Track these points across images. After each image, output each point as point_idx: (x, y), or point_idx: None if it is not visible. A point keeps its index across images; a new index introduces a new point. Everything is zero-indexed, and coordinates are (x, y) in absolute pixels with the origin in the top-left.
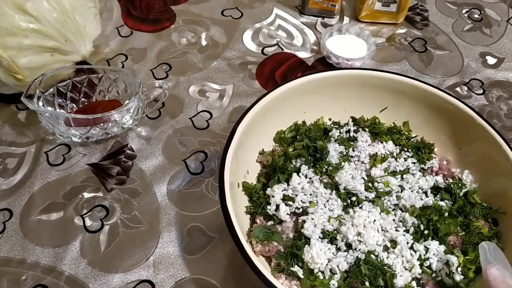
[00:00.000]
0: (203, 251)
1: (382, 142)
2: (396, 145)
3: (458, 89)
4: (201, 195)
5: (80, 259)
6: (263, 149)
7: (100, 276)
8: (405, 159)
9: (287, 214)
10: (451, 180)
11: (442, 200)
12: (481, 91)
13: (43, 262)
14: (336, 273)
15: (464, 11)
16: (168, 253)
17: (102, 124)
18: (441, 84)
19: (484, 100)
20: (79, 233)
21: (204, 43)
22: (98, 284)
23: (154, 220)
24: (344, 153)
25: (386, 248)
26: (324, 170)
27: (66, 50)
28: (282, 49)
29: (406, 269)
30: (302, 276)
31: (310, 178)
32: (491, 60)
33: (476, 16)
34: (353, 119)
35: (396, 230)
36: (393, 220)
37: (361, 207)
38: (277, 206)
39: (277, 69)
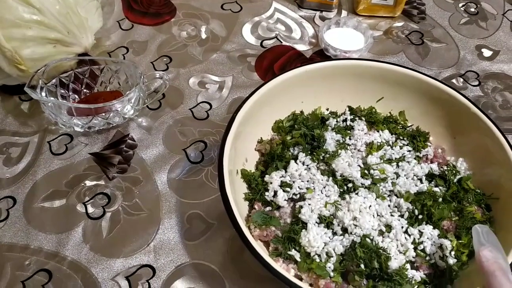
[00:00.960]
0: (202, 237)
1: (378, 131)
2: (392, 134)
3: (454, 80)
4: (201, 183)
5: (82, 244)
6: (261, 137)
7: (102, 261)
8: (401, 147)
9: (285, 200)
10: (445, 168)
11: (436, 186)
12: (476, 83)
13: (46, 248)
14: (332, 256)
15: (460, 5)
16: (168, 239)
17: (103, 114)
18: (437, 76)
19: (479, 92)
20: (82, 219)
21: (204, 36)
22: (100, 268)
23: (154, 207)
24: (341, 141)
25: (381, 233)
26: (321, 158)
27: (69, 42)
28: (281, 42)
29: (400, 252)
30: (299, 260)
31: (307, 165)
32: (486, 53)
33: (473, 9)
34: (350, 109)
35: (391, 215)
36: (388, 205)
37: (357, 193)
38: (275, 192)
39: (276, 62)
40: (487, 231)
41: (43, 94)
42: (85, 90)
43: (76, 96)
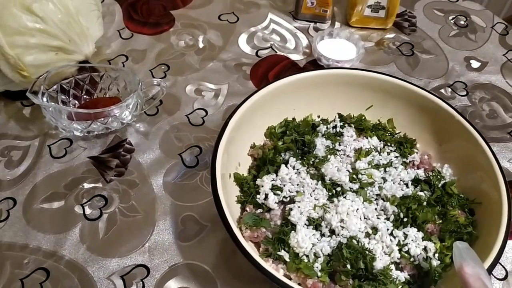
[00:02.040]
0: (196, 239)
1: (367, 138)
2: (380, 141)
3: (442, 90)
4: (195, 187)
5: (79, 244)
6: (254, 143)
7: (98, 261)
8: (388, 153)
9: (275, 202)
10: (431, 173)
11: (421, 190)
12: (464, 93)
13: (44, 247)
14: (319, 257)
15: (450, 17)
16: (163, 240)
17: (102, 119)
18: (426, 85)
19: (467, 101)
20: (79, 220)
21: (201, 45)
22: (96, 268)
23: (150, 209)
24: (331, 147)
25: (367, 235)
26: (311, 162)
27: (70, 49)
28: (276, 52)
29: (385, 254)
30: (288, 260)
31: (297, 170)
32: (475, 64)
33: (462, 22)
34: (340, 116)
35: (378, 218)
36: (375, 209)
37: (345, 197)
38: (266, 195)
39: (270, 70)
40: (467, 247)
41: (45, 99)
42: (85, 96)
43: (76, 102)
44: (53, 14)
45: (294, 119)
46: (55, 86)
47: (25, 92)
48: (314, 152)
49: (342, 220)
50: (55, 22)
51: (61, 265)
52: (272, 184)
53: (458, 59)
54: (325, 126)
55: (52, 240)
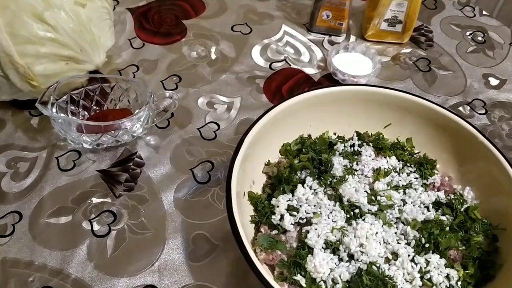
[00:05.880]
0: (207, 259)
1: (385, 157)
2: (399, 161)
3: (461, 108)
4: (207, 204)
5: (87, 262)
6: (269, 160)
7: (106, 280)
8: (408, 174)
9: (291, 224)
10: (452, 196)
11: (443, 214)
12: (483, 111)
13: (50, 265)
14: (338, 283)
15: (468, 33)
16: (173, 259)
17: (113, 132)
18: (444, 103)
19: (486, 120)
20: (87, 237)
21: (213, 56)
22: (104, 287)
23: (160, 226)
24: (348, 166)
25: (387, 260)
26: (329, 182)
27: (81, 59)
28: (290, 65)
29: (407, 281)
30: (304, 285)
31: (314, 190)
32: (493, 82)
33: (480, 38)
34: (358, 134)
35: (398, 243)
36: (395, 233)
37: (363, 219)
38: (282, 216)
39: (284, 84)
40: None
41: (54, 110)
42: (95, 107)
43: (86, 113)
44: (64, 23)
45: (310, 136)
46: (64, 97)
47: (34, 102)
48: (332, 172)
49: (361, 245)
50: (67, 31)
51: (67, 283)
52: (288, 205)
53: (476, 76)
54: (343, 145)
55: (59, 257)
